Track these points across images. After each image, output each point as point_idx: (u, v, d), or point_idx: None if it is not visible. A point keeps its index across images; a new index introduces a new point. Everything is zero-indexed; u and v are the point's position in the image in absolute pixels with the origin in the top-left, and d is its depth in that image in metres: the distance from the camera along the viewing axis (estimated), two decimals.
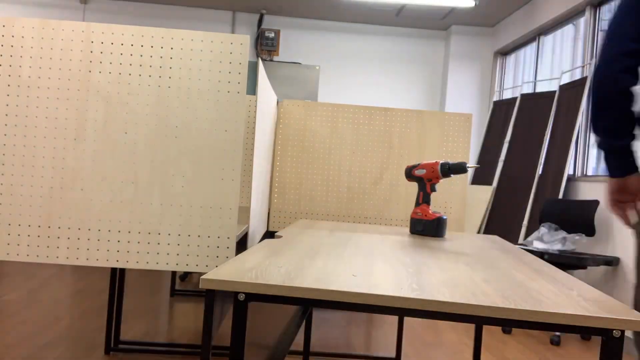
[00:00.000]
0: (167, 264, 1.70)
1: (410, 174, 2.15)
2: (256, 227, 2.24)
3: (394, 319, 3.94)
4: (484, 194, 5.54)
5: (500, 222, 5.20)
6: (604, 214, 3.96)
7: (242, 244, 2.22)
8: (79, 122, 1.69)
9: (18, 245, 1.69)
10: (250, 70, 6.57)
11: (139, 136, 1.70)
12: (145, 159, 1.70)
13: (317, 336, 3.46)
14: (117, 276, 2.98)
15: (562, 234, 3.85)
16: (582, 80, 4.53)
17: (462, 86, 6.77)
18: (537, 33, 5.66)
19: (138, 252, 1.69)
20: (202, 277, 1.04)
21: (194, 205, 1.70)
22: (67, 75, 1.69)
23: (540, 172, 4.84)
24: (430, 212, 2.05)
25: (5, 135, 1.69)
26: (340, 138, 2.95)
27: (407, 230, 2.24)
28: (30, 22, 1.69)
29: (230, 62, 1.70)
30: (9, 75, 1.69)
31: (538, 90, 5.62)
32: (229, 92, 1.70)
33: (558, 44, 5.52)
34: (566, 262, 3.56)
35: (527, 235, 4.69)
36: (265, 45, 6.88)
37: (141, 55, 1.70)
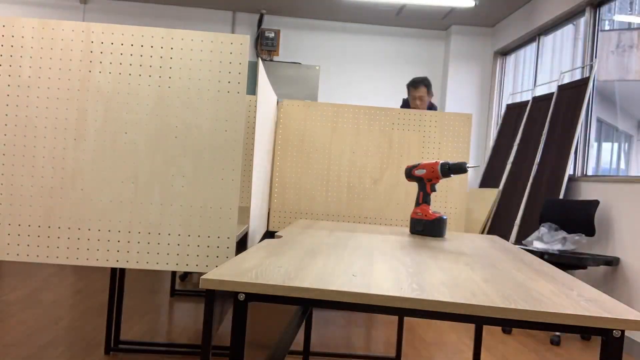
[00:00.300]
0: (167, 264, 1.70)
1: (410, 174, 2.15)
2: (256, 227, 2.24)
3: (394, 319, 3.94)
4: (490, 196, 5.54)
5: (503, 224, 5.21)
6: (604, 214, 3.96)
7: (242, 244, 2.22)
8: (79, 122, 1.69)
9: (18, 245, 1.69)
10: (250, 70, 6.57)
11: (139, 136, 1.70)
12: (145, 159, 1.70)
13: (317, 336, 3.46)
14: (117, 276, 2.98)
15: (562, 234, 3.85)
16: (584, 81, 4.53)
17: (462, 86, 6.77)
18: (537, 33, 5.66)
19: (138, 252, 1.69)
20: (202, 277, 1.04)
21: (194, 205, 1.70)
22: (67, 75, 1.69)
23: (534, 172, 4.84)
24: (430, 212, 2.04)
25: (5, 135, 1.69)
26: (340, 138, 2.95)
27: (407, 230, 2.24)
28: (30, 22, 1.69)
29: (230, 62, 1.70)
30: (9, 75, 1.69)
31: (538, 91, 5.62)
32: (229, 92, 1.70)
33: (558, 44, 5.52)
34: (566, 262, 3.56)
35: (519, 234, 4.70)
36: (265, 45, 6.88)
37: (141, 55, 1.70)
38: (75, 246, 1.69)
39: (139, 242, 1.69)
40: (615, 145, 5.04)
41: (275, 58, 6.97)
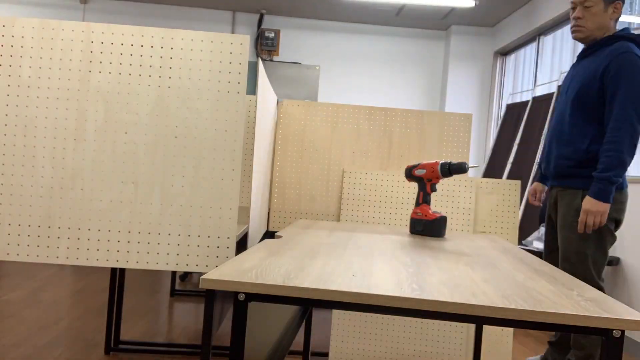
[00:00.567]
0: (167, 264, 1.70)
1: (410, 174, 2.15)
2: (256, 227, 2.24)
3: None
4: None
5: None
6: None
7: (242, 244, 2.22)
8: (79, 122, 1.69)
9: (18, 245, 1.69)
10: (250, 70, 6.57)
11: (139, 136, 1.70)
12: (145, 159, 1.70)
13: (317, 336, 3.46)
14: (117, 276, 2.98)
15: None
16: None
17: (462, 86, 6.77)
18: (537, 33, 5.66)
19: (138, 252, 1.69)
20: (202, 277, 1.04)
21: (194, 205, 1.70)
22: (67, 75, 1.69)
23: (534, 172, 4.83)
24: (430, 212, 2.04)
25: (5, 135, 1.69)
26: (340, 138, 2.95)
27: (407, 230, 2.24)
28: (30, 22, 1.69)
29: (230, 62, 1.70)
30: (9, 75, 1.69)
31: (538, 91, 5.62)
32: (229, 92, 1.70)
33: (558, 44, 5.51)
34: None
35: (519, 234, 4.70)
36: (265, 45, 6.88)
37: (141, 55, 1.70)
38: (75, 246, 1.69)
39: (139, 242, 1.69)
40: None
41: (275, 58, 6.97)
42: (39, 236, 1.69)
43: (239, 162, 1.69)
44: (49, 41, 1.69)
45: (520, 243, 4.21)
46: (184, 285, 4.66)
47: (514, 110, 5.86)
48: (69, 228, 1.69)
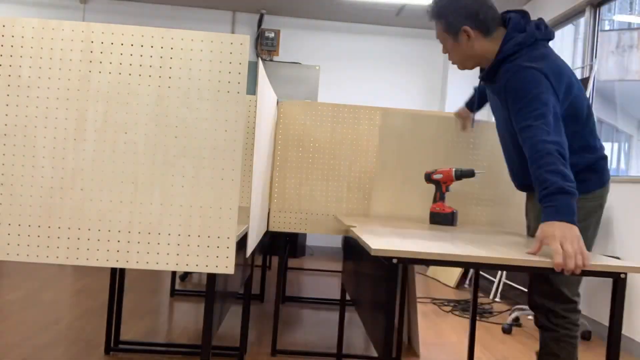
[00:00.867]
0: (167, 264, 1.70)
1: (429, 178, 2.62)
2: (256, 227, 2.24)
3: None
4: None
5: None
6: (604, 214, 3.96)
7: (242, 244, 2.22)
8: (79, 122, 1.69)
9: (18, 245, 1.69)
10: (250, 70, 6.56)
11: (139, 136, 1.70)
12: (145, 159, 1.70)
13: (317, 336, 3.46)
14: (117, 276, 2.98)
15: None
16: (584, 81, 4.53)
17: (462, 86, 6.77)
18: None
19: (138, 252, 1.69)
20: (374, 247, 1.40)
21: (194, 205, 1.70)
22: (67, 75, 1.69)
23: None
24: (446, 207, 2.52)
25: (5, 135, 1.69)
26: (340, 138, 2.95)
27: (422, 223, 2.59)
28: (30, 22, 1.69)
29: (230, 62, 1.70)
30: (9, 75, 1.69)
31: None
32: (229, 92, 1.70)
33: (558, 44, 5.51)
34: None
35: None
36: (265, 45, 6.88)
37: (141, 55, 1.70)
38: (75, 246, 1.69)
39: (139, 242, 1.69)
40: (615, 145, 5.04)
41: (275, 58, 6.97)
42: (39, 236, 1.69)
43: (239, 162, 1.69)
44: (49, 41, 1.69)
45: None
46: (184, 285, 4.66)
47: None
48: (69, 228, 1.69)
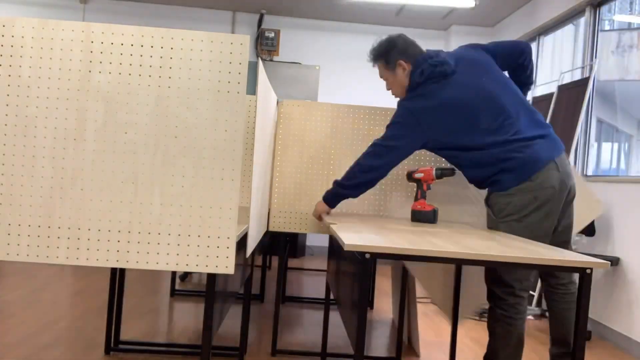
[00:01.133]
0: (167, 264, 1.70)
1: (410, 176, 2.65)
2: (256, 227, 2.24)
3: (393, 319, 3.94)
4: None
5: None
6: (605, 214, 3.96)
7: (242, 244, 2.22)
8: (79, 122, 1.69)
9: (18, 245, 1.69)
10: (250, 70, 6.56)
11: (139, 136, 1.70)
12: (145, 159, 1.70)
13: (317, 336, 3.46)
14: (117, 276, 2.98)
15: None
16: (584, 81, 4.53)
17: None
18: (537, 33, 5.65)
19: (138, 252, 1.69)
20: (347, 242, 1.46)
21: (194, 205, 1.70)
22: (67, 75, 1.69)
23: None
24: (427, 205, 2.57)
25: (5, 135, 1.69)
26: (340, 138, 2.95)
27: (405, 220, 2.63)
28: (30, 22, 1.69)
29: (230, 62, 1.70)
30: (9, 75, 1.69)
31: (538, 91, 5.62)
32: (229, 92, 1.70)
33: (558, 44, 5.51)
34: None
35: None
36: (265, 45, 6.88)
37: (141, 55, 1.70)
38: (75, 246, 1.69)
39: (139, 242, 1.69)
40: (615, 145, 5.05)
41: (275, 58, 6.97)
42: (39, 236, 1.69)
43: (239, 162, 1.69)
44: (49, 41, 1.69)
45: None
46: (184, 285, 4.66)
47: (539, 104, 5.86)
48: (69, 228, 1.69)
